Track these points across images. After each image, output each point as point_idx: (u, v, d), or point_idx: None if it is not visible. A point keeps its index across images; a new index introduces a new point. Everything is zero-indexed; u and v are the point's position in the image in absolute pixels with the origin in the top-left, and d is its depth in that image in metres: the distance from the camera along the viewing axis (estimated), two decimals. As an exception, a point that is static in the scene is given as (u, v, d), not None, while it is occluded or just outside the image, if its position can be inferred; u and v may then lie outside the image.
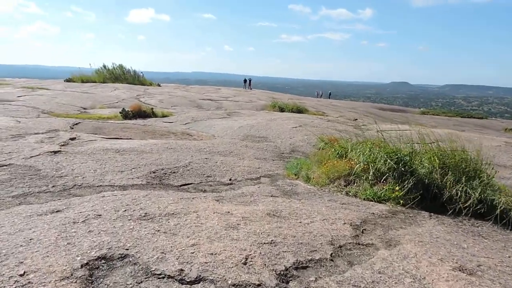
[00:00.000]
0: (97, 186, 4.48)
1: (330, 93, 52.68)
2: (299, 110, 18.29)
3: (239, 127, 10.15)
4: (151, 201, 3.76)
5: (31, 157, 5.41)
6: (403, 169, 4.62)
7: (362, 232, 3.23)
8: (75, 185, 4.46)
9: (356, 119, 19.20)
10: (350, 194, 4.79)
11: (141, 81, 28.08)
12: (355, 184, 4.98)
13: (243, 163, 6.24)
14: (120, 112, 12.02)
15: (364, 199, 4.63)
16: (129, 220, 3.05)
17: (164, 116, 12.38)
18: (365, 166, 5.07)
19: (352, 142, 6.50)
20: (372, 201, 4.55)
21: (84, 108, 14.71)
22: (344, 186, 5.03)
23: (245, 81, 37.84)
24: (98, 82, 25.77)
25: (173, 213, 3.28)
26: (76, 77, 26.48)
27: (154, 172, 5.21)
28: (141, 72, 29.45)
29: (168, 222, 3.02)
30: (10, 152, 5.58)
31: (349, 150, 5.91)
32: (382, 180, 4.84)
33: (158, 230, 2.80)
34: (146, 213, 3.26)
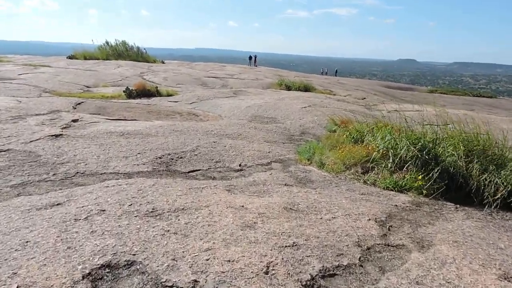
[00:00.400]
0: (101, 174, 4.21)
1: (336, 70, 51.55)
2: (306, 89, 17.82)
3: (246, 107, 9.80)
4: (159, 193, 3.49)
5: (31, 141, 5.13)
6: (427, 157, 4.30)
7: (389, 229, 2.95)
8: (77, 172, 4.19)
9: (365, 98, 18.73)
10: (369, 182, 4.50)
11: (144, 58, 27.49)
12: (373, 171, 4.68)
13: (252, 146, 5.94)
14: (123, 91, 11.66)
15: (384, 188, 4.33)
16: (135, 217, 2.78)
17: (169, 95, 12.02)
18: (384, 153, 4.75)
19: (368, 125, 6.16)
20: (393, 190, 4.26)
21: (87, 87, 14.35)
22: (362, 173, 4.73)
23: (250, 58, 37.02)
24: (101, 59, 25.25)
25: (183, 208, 3.01)
26: (78, 53, 25.94)
27: (160, 158, 4.93)
28: (144, 49, 28.81)
29: (178, 220, 2.75)
30: (9, 136, 5.30)
31: (366, 135, 5.58)
32: (402, 168, 4.53)
33: (168, 231, 2.53)
34: (153, 208, 2.99)
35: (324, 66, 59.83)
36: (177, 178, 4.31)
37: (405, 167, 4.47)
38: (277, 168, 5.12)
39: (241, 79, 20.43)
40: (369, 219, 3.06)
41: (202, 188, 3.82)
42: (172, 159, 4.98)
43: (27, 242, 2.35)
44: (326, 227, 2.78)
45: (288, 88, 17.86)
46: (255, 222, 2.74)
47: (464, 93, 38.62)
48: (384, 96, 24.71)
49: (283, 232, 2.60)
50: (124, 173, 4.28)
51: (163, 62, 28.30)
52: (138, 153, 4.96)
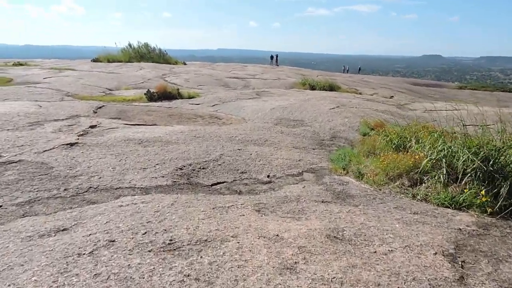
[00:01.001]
0: (116, 189, 3.77)
1: (360, 68, 50.21)
2: (331, 88, 17.11)
3: (271, 109, 9.25)
4: (178, 215, 2.99)
5: (44, 151, 4.76)
6: (491, 168, 3.64)
7: (462, 266, 2.35)
8: (90, 187, 3.76)
9: (392, 96, 17.86)
10: (418, 197, 3.87)
11: (166, 59, 27.36)
12: (423, 184, 4.04)
13: (280, 154, 5.39)
14: (144, 94, 11.34)
15: (438, 204, 3.70)
16: (149, 251, 2.30)
17: (190, 97, 11.62)
18: (436, 162, 4.11)
19: (410, 128, 5.50)
20: (449, 207, 3.62)
21: (109, 89, 14.16)
22: (409, 186, 4.11)
23: (271, 57, 36.39)
24: (123, 62, 25.26)
25: (206, 240, 2.50)
26: (102, 56, 26.05)
27: (181, 169, 4.45)
28: (165, 51, 28.67)
29: (201, 257, 2.24)
30: (22, 145, 4.96)
31: (410, 140, 4.93)
32: (457, 181, 3.88)
33: (188, 275, 2.02)
34: (171, 239, 2.50)
35: (346, 63, 58.49)
36: (199, 194, 3.81)
37: (463, 179, 3.81)
38: (309, 179, 4.55)
39: (263, 79, 19.90)
40: (435, 253, 2.46)
41: (228, 207, 3.30)
42: (194, 170, 4.49)
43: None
44: (386, 267, 2.21)
45: (312, 87, 17.19)
46: (295, 262, 2.20)
47: (496, 88, 36.75)
48: (412, 94, 23.65)
49: (334, 278, 2.04)
50: (141, 188, 3.82)
51: (184, 64, 28.10)
52: (157, 164, 4.50)
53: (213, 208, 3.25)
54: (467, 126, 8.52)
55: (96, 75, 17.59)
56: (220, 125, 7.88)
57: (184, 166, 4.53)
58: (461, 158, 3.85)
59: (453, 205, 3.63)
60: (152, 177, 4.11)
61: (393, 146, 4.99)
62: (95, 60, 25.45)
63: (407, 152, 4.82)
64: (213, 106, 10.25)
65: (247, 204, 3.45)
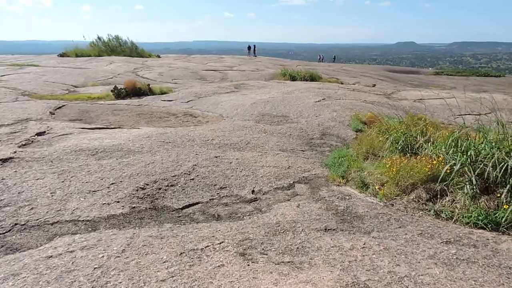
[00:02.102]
0: (51, 224, 2.79)
1: (334, 56, 49.63)
2: (313, 78, 16.29)
3: (251, 103, 8.32)
4: (127, 276, 2.06)
5: (-35, 172, 3.70)
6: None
7: None
8: (15, 224, 2.76)
9: (375, 85, 17.22)
10: (443, 216, 3.06)
11: (139, 53, 25.88)
12: (445, 198, 3.23)
13: (266, 160, 4.50)
14: (111, 91, 10.19)
15: (470, 225, 2.90)
16: None
17: (162, 93, 10.54)
18: (460, 168, 3.30)
19: (415, 124, 4.69)
20: (485, 229, 2.83)
21: (75, 86, 12.87)
22: (428, 200, 3.29)
23: (249, 48, 35.15)
24: (93, 56, 23.68)
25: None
26: (70, 51, 24.35)
27: (143, 189, 3.49)
28: (136, 42, 27.11)
29: None
30: None
31: (418, 139, 4.12)
32: (488, 191, 3.10)
33: None
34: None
35: (322, 52, 57.78)
36: (165, 225, 2.88)
37: (495, 190, 3.02)
38: (303, 193, 3.68)
39: (241, 71, 18.88)
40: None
41: (201, 250, 2.39)
42: (160, 188, 3.54)
43: None
44: None
45: (293, 78, 16.32)
46: None
47: (471, 73, 36.89)
48: (392, 81, 23.16)
49: None
50: (87, 222, 2.86)
51: (158, 57, 26.71)
52: (112, 184, 3.52)
53: (181, 254, 2.33)
54: (464, 116, 7.86)
55: (61, 71, 16.15)
56: (195, 125, 6.91)
57: (147, 185, 3.57)
58: (492, 162, 3.05)
59: (489, 225, 2.84)
60: (104, 204, 3.14)
61: (399, 147, 4.16)
62: (62, 55, 23.78)
63: (416, 154, 4.02)
64: (187, 102, 9.23)
65: (227, 241, 2.54)
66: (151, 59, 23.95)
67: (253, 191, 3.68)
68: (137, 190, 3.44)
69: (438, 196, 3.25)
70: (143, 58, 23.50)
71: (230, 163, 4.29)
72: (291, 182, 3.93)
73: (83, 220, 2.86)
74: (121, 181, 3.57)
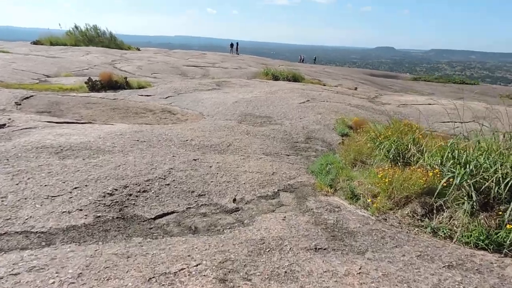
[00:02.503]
0: (-2, 237, 2.37)
1: (315, 57, 49.76)
2: (295, 78, 16.06)
3: (233, 102, 7.97)
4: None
5: None
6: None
7: None
8: (-48, 238, 2.33)
9: (356, 88, 17.19)
10: (441, 234, 2.81)
11: (118, 44, 24.96)
12: (442, 213, 2.99)
13: (248, 165, 4.16)
14: (85, 82, 9.60)
15: (470, 245, 2.66)
16: None
17: (140, 87, 10.02)
18: (452, 180, 3.06)
19: (408, 131, 4.46)
20: (487, 250, 2.59)
21: (46, 76, 12.17)
22: (423, 215, 3.04)
23: (231, 45, 34.59)
24: (69, 45, 22.67)
25: None
26: (44, 39, 23.22)
27: (111, 195, 3.09)
28: (116, 34, 26.15)
29: None
30: None
31: (409, 148, 3.88)
32: (487, 207, 2.88)
33: None
34: None
35: (303, 53, 57.77)
36: (134, 239, 2.51)
37: (495, 206, 2.80)
38: (289, 203, 3.38)
39: (223, 68, 18.47)
40: None
41: (175, 275, 2.04)
42: (131, 194, 3.15)
43: None
44: None
45: (276, 78, 16.05)
46: None
47: (447, 80, 37.74)
48: (373, 85, 23.30)
49: None
50: (41, 234, 2.45)
51: (138, 49, 25.89)
52: (76, 188, 3.10)
53: (150, 280, 1.97)
54: (448, 123, 7.77)
55: (33, 59, 15.29)
56: (174, 123, 6.51)
57: (116, 190, 3.17)
58: (496, 178, 2.82)
59: (491, 246, 2.61)
60: (63, 212, 2.73)
61: (390, 156, 3.91)
62: (36, 43, 22.67)
63: (407, 164, 3.78)
64: (166, 98, 8.77)
65: (205, 263, 2.20)
66: (130, 51, 23.16)
67: (234, 200, 3.35)
68: (104, 197, 3.04)
69: (435, 211, 3.00)
70: (122, 50, 22.68)
71: (210, 167, 3.94)
72: (276, 191, 3.61)
73: (36, 232, 2.45)
74: (86, 185, 3.16)
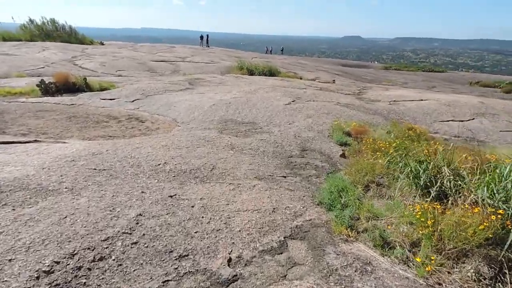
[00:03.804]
0: None
1: (282, 48, 48.94)
2: (271, 72, 15.15)
3: (211, 105, 6.95)
4: None
5: None
6: None
7: None
8: None
9: (334, 81, 16.51)
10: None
11: (79, 39, 23.00)
12: (517, 274, 2.18)
13: (241, 199, 3.22)
14: (37, 85, 8.26)
15: None
16: None
17: (103, 89, 8.77)
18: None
19: (403, 136, 3.63)
20: None
21: (-6, 77, 10.65)
22: (492, 278, 2.22)
23: (201, 37, 32.95)
24: (24, 41, 20.63)
25: None
26: (-5, 34, 21.03)
27: (48, 273, 2.06)
28: (77, 27, 24.11)
29: None
30: None
31: (445, 171, 3.05)
32: None
33: None
34: None
35: (273, 44, 56.69)
36: None
37: None
38: (303, 260, 2.48)
39: (194, 63, 17.25)
40: None
41: None
42: (80, 268, 2.14)
43: None
44: None
45: (251, 72, 15.05)
46: None
47: (417, 68, 38.04)
48: (348, 76, 22.81)
49: None
50: None
51: (102, 44, 24.06)
52: (-7, 268, 2.06)
53: None
54: (448, 122, 7.11)
55: (-21, 57, 13.56)
56: (143, 134, 5.45)
57: (58, 263, 2.14)
58: None
59: None
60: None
61: (421, 184, 3.08)
62: (-15, 39, 20.46)
63: (444, 193, 2.96)
64: (133, 101, 7.63)
65: None
66: (92, 46, 21.41)
67: (229, 261, 2.41)
68: (37, 278, 2.02)
69: (506, 271, 2.19)
70: (84, 45, 20.91)
71: (192, 207, 2.96)
72: (282, 239, 2.70)
73: None
74: (10, 260, 2.11)
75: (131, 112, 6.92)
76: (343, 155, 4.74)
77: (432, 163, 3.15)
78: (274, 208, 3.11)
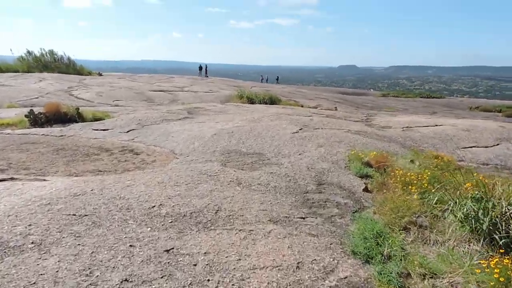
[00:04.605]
0: None
1: (277, 77, 49.15)
2: (272, 101, 14.72)
3: (212, 135, 6.37)
4: None
5: None
6: None
7: None
8: None
9: (336, 108, 16.10)
10: None
11: (77, 70, 22.79)
12: None
13: (255, 251, 2.55)
14: (26, 116, 7.70)
15: None
16: None
17: (96, 119, 8.21)
18: None
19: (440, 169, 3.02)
20: None
21: (-16, 109, 10.13)
22: None
23: (200, 68, 32.87)
24: (21, 72, 20.35)
25: None
26: (-7, 66, 20.77)
27: None
28: (79, 60, 24.02)
29: None
30: None
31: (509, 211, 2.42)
32: None
33: None
34: None
35: (269, 74, 56.95)
36: None
37: None
38: None
39: (193, 92, 16.87)
40: None
41: None
42: None
43: None
44: None
45: (251, 101, 14.63)
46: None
47: (415, 95, 37.96)
48: (348, 103, 22.51)
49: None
50: None
51: (100, 74, 23.84)
52: None
53: None
54: (471, 149, 6.53)
55: (-29, 89, 13.10)
56: (137, 167, 4.83)
57: None
58: None
59: None
60: None
61: (484, 229, 2.43)
62: (-18, 71, 20.18)
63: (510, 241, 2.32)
64: (128, 132, 7.04)
65: None
66: (90, 77, 21.13)
67: None
68: None
69: None
70: (81, 76, 20.61)
71: (195, 265, 2.29)
72: (315, 311, 2.02)
73: None
74: None
75: (125, 143, 6.32)
76: (366, 189, 4.10)
77: (492, 201, 2.52)
78: (298, 263, 2.44)
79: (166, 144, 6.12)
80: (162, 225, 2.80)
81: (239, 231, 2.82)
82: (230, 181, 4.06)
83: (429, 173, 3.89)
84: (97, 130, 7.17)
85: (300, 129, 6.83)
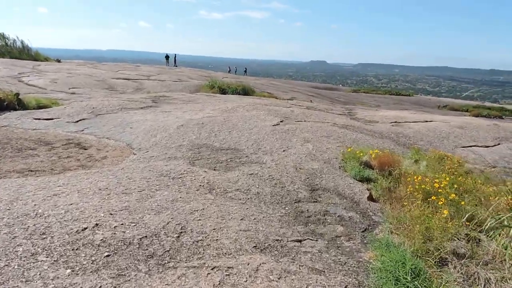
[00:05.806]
0: None
1: (245, 69, 48.33)
2: (246, 91, 13.73)
3: (178, 126, 5.33)
4: None
5: None
6: None
7: None
8: None
9: (311, 101, 15.39)
10: None
11: (32, 56, 20.72)
12: None
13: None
14: (-49, 102, 6.30)
15: None
16: None
17: (40, 106, 6.92)
18: None
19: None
20: None
21: None
22: None
23: (167, 57, 30.89)
24: (-34, 56, 18.17)
25: None
26: None
27: None
28: (40, 48, 21.82)
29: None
30: None
31: None
32: None
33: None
34: None
35: (239, 66, 55.67)
36: None
37: None
38: None
39: (160, 81, 15.55)
40: None
41: None
42: None
43: None
44: None
45: (223, 91, 13.55)
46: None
47: (385, 92, 38.18)
48: (322, 97, 21.92)
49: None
50: None
51: (58, 61, 21.85)
52: None
53: None
54: (471, 148, 5.87)
55: None
56: (80, 166, 3.74)
57: None
58: None
59: None
60: None
61: None
62: None
63: None
64: (77, 122, 5.86)
65: None
66: (46, 63, 19.21)
67: None
68: None
69: None
70: (36, 62, 18.68)
71: None
72: None
73: None
74: None
75: (72, 135, 5.17)
76: (371, 198, 3.25)
77: None
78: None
79: (123, 137, 5.03)
80: (92, 263, 1.79)
81: (212, 269, 1.86)
82: (200, 185, 3.08)
83: (448, 178, 3.09)
84: (39, 119, 5.93)
85: (281, 121, 5.92)
